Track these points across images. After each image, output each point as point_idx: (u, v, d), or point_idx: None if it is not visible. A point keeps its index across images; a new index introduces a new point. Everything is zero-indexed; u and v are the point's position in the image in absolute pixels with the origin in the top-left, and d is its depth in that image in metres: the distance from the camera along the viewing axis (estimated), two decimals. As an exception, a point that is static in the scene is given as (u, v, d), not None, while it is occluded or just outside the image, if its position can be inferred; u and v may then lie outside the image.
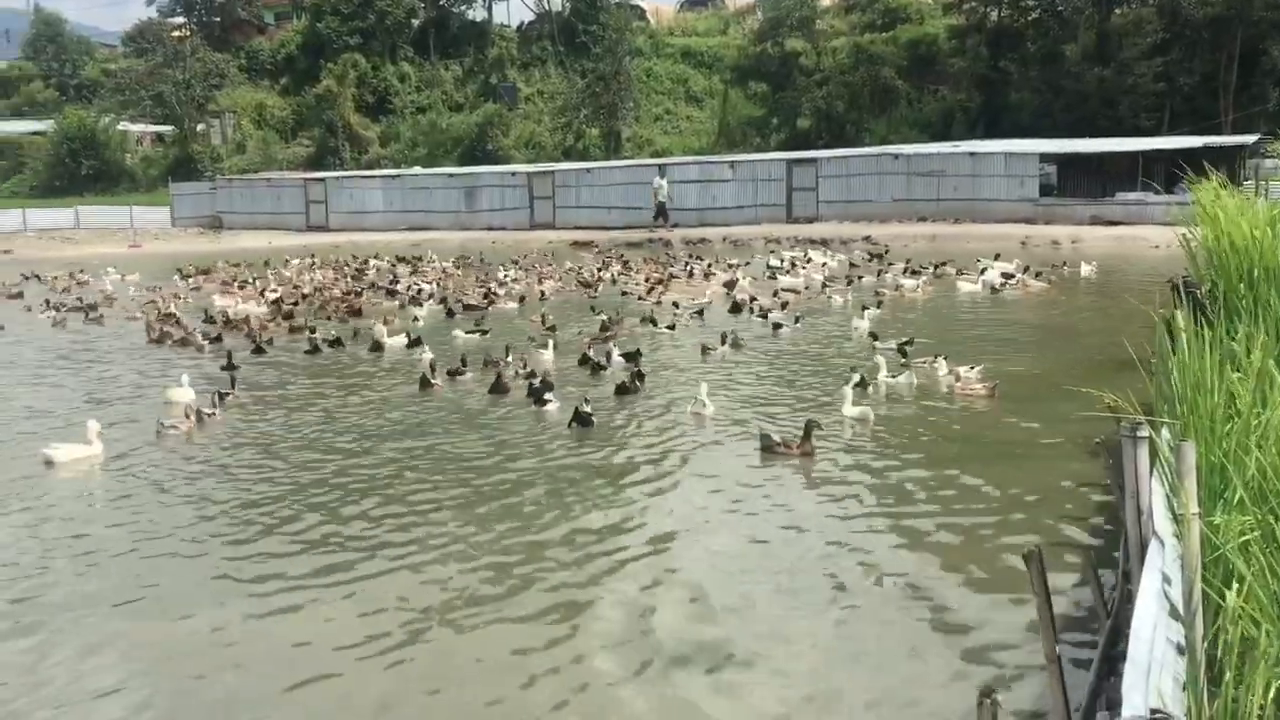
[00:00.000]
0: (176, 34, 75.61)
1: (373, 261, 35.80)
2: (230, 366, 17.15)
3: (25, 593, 8.36)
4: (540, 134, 65.18)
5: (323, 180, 56.69)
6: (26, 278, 33.34)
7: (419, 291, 26.87)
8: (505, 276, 29.55)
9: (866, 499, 9.90)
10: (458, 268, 33.74)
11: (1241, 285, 10.13)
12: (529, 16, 76.30)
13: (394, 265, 34.95)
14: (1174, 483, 5.00)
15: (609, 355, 16.86)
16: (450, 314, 23.21)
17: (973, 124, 54.74)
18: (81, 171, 65.48)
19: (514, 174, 53.58)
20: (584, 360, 16.85)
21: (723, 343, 17.71)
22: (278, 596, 8.05)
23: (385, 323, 21.45)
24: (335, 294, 27.04)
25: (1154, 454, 5.60)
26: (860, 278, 27.32)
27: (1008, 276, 25.34)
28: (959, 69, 57.10)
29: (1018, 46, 55.05)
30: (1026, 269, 25.94)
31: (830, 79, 59.86)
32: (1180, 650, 3.91)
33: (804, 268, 29.74)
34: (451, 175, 55.26)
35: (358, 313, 23.55)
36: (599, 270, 30.68)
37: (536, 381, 14.56)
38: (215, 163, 65.53)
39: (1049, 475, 10.33)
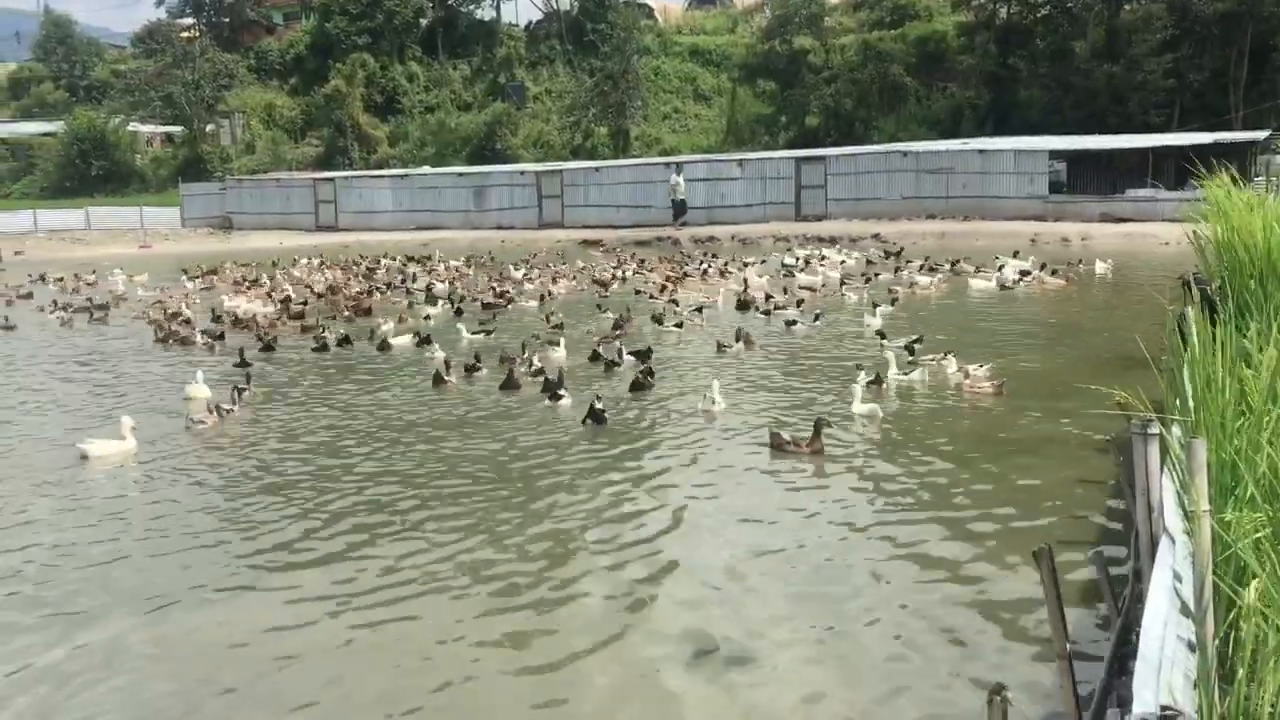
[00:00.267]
0: (185, 35, 75.83)
1: (384, 261, 35.89)
2: (243, 364, 17.37)
3: (61, 584, 8.49)
4: (548, 133, 65.21)
5: (332, 180, 56.81)
6: (34, 279, 33.46)
7: (429, 288, 26.93)
8: (520, 275, 29.55)
9: (875, 497, 9.89)
10: (469, 267, 33.81)
11: (1253, 281, 10.09)
12: (537, 16, 76.38)
13: (404, 265, 35.04)
14: (1185, 480, 4.99)
15: (620, 353, 16.90)
16: (459, 313, 23.23)
17: (982, 121, 54.63)
18: (91, 172, 65.70)
19: (522, 173, 53.62)
20: (595, 357, 16.94)
21: (737, 340, 17.73)
22: (306, 592, 8.11)
23: (400, 320, 21.61)
24: (350, 293, 27.14)
25: (1164, 451, 5.58)
26: (876, 275, 27.29)
27: (1024, 273, 25.33)
28: (968, 66, 56.99)
29: (1027, 43, 54.94)
30: (1043, 266, 25.89)
31: (839, 76, 59.78)
32: (1191, 647, 3.90)
33: (821, 265, 29.74)
34: (460, 175, 55.35)
35: (367, 312, 23.60)
36: (615, 269, 30.65)
37: (545, 378, 14.76)
38: (224, 163, 65.72)
39: (1059, 473, 10.31)
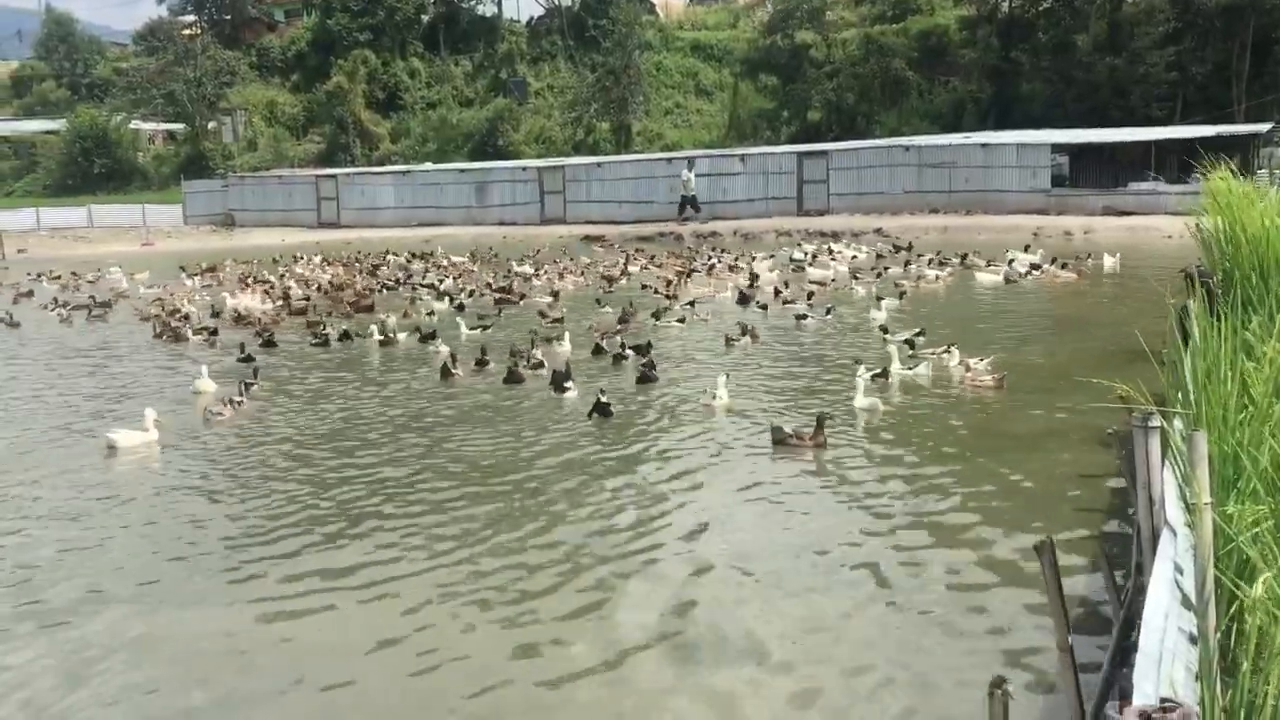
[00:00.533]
0: (187, 32, 75.93)
1: (390, 257, 35.93)
2: (246, 359, 17.51)
3: (90, 574, 8.60)
4: (550, 129, 65.21)
5: (334, 177, 56.84)
6: (33, 277, 33.49)
7: (439, 284, 26.99)
8: (531, 271, 29.50)
9: (877, 491, 9.88)
10: (475, 262, 33.86)
11: (1255, 274, 10.08)
12: (538, 11, 76.36)
13: (409, 261, 35.07)
14: (1186, 472, 4.99)
15: (623, 346, 16.98)
16: (461, 308, 23.31)
17: (984, 115, 54.55)
18: (94, 170, 65.78)
19: (524, 169, 53.63)
20: (598, 351, 17.06)
21: (743, 334, 17.77)
22: (317, 585, 8.14)
23: (404, 316, 21.67)
24: (357, 289, 27.20)
25: (1166, 444, 5.57)
26: (885, 269, 27.32)
27: (1035, 267, 25.31)
28: (970, 60, 56.90)
29: (1029, 37, 54.85)
30: (1054, 260, 25.87)
31: (840, 71, 59.70)
32: (1192, 640, 3.90)
33: (833, 259, 29.77)
34: (462, 171, 55.35)
35: (369, 309, 23.62)
36: (624, 264, 30.64)
37: (546, 371, 15.08)
38: (227, 160, 65.76)
39: (1060, 466, 10.30)
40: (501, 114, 65.03)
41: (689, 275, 27.21)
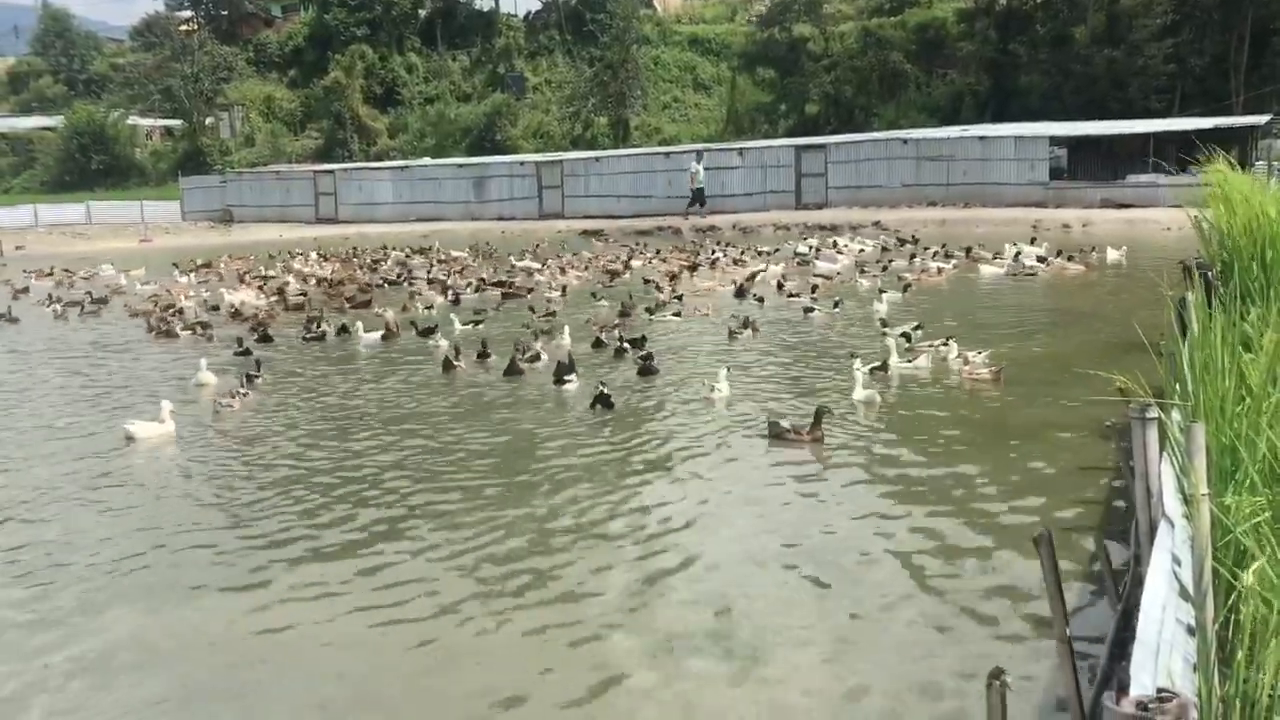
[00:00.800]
0: (184, 28, 75.86)
1: (393, 253, 35.93)
2: (245, 352, 17.69)
3: (103, 566, 8.64)
4: (548, 123, 65.18)
5: (332, 172, 56.82)
6: (28, 273, 33.48)
7: (443, 280, 27.04)
8: (538, 266, 29.53)
9: (875, 485, 9.88)
10: (477, 257, 33.94)
11: (1254, 266, 10.08)
12: (536, 5, 76.46)
13: (408, 257, 35.07)
14: (1184, 464, 4.99)
15: (621, 340, 17.04)
16: (456, 301, 23.35)
17: (982, 108, 54.55)
18: (91, 166, 65.76)
19: (522, 164, 53.60)
20: (597, 344, 17.18)
21: (745, 326, 17.86)
22: (325, 580, 8.14)
23: (403, 310, 21.70)
24: (360, 284, 27.30)
25: (1164, 436, 5.57)
26: (890, 262, 27.37)
27: (1041, 260, 25.36)
28: (968, 52, 56.89)
29: (1027, 29, 54.84)
30: (1059, 253, 25.90)
31: (838, 64, 59.70)
32: (1190, 631, 3.90)
33: (842, 252, 29.85)
34: (460, 166, 55.32)
35: (366, 304, 23.63)
36: (627, 259, 30.64)
37: (541, 364, 15.37)
38: (224, 156, 65.74)
39: (1059, 458, 10.30)
40: (499, 109, 65.01)
41: (694, 270, 27.24)
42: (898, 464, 10.48)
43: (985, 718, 4.36)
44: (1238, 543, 4.50)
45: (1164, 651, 3.64)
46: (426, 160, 58.78)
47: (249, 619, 7.50)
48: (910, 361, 14.64)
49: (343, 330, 19.61)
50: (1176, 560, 4.43)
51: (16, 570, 8.57)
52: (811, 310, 19.66)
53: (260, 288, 26.97)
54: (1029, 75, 53.46)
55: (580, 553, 8.48)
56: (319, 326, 19.91)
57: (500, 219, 50.74)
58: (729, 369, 13.86)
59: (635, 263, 29.92)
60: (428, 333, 18.76)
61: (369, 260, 34.29)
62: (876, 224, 38.96)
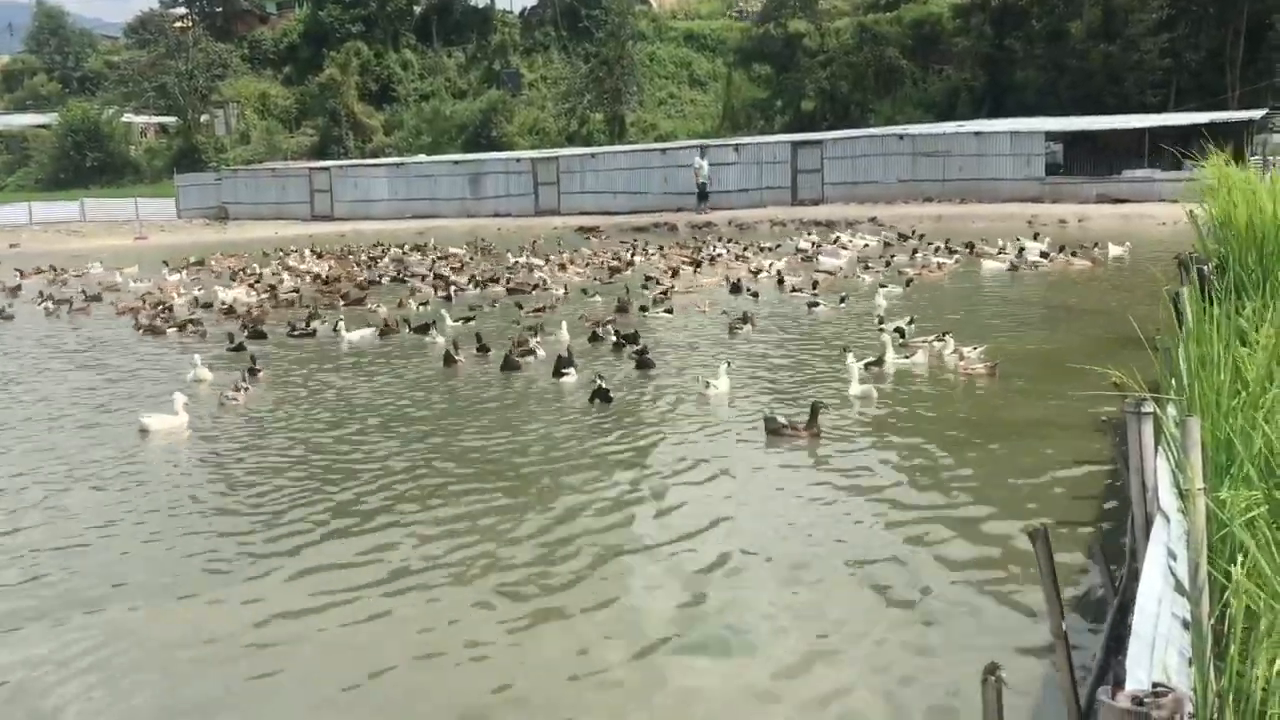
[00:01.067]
0: (179, 25, 75.63)
1: (394, 250, 35.91)
2: (238, 348, 17.86)
3: (114, 559, 8.77)
4: (544, 120, 65.11)
5: (327, 169, 56.73)
6: (18, 271, 33.44)
7: (446, 277, 27.08)
8: (542, 263, 29.51)
9: (871, 479, 9.87)
10: (477, 254, 33.98)
11: (1250, 260, 10.07)
12: (531, 1, 76.19)
13: (408, 253, 35.05)
14: (1179, 458, 4.98)
15: (617, 335, 17.22)
16: (448, 298, 23.47)
17: (978, 103, 54.56)
18: (86, 164, 65.60)
19: (518, 160, 53.54)
20: (594, 338, 17.37)
21: (744, 322, 17.93)
22: (331, 576, 8.17)
23: (399, 305, 21.74)
24: (358, 282, 27.33)
25: (1160, 430, 5.57)
26: (893, 256, 27.42)
27: (1044, 255, 25.39)
28: (963, 48, 56.87)
29: (1022, 24, 54.81)
30: (1061, 249, 25.91)
31: (834, 60, 59.68)
32: (1186, 625, 3.90)
33: (846, 248, 29.96)
34: (456, 163, 55.25)
35: (360, 301, 23.62)
36: (630, 255, 30.66)
37: (534, 359, 15.76)
38: (219, 153, 65.61)
39: (1056, 453, 10.30)
40: (495, 105, 64.94)
41: (698, 266, 27.26)
42: (893, 459, 10.48)
43: (981, 713, 4.36)
44: (1233, 537, 4.50)
45: (1159, 646, 3.64)
46: (422, 157, 58.71)
47: (250, 617, 7.49)
48: (908, 357, 14.65)
49: (339, 327, 19.65)
50: (1172, 555, 4.43)
51: (22, 568, 8.60)
52: (816, 305, 19.73)
53: (251, 285, 27.00)
54: (1025, 70, 53.46)
55: (578, 552, 8.46)
56: (309, 325, 19.94)
57: (496, 216, 50.69)
58: (729, 364, 13.88)
59: (638, 259, 29.91)
60: (423, 329, 18.79)
61: (366, 257, 34.28)
62: (873, 220, 38.97)
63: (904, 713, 5.87)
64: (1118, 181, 40.49)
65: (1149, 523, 4.96)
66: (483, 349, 16.61)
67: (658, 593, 7.59)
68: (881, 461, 10.42)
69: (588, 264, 29.34)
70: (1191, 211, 14.03)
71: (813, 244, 31.16)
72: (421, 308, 22.06)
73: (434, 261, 31.98)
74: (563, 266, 28.51)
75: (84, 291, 27.05)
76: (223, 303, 23.99)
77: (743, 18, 71.23)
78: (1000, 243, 27.56)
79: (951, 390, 13.30)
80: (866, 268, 25.31)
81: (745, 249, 30.60)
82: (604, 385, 13.18)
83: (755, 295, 21.60)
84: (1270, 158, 33.60)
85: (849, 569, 7.82)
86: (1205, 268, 10.64)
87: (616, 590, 7.67)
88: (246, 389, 14.58)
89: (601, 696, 6.24)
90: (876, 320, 17.50)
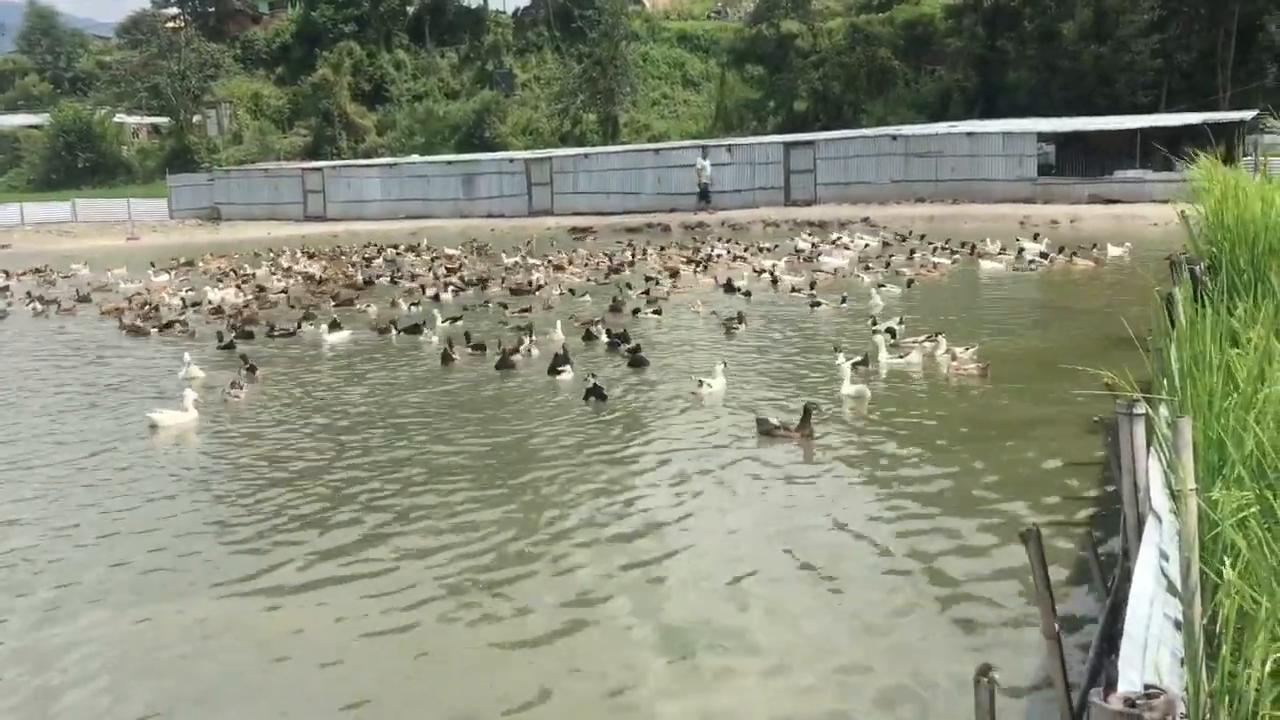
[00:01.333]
0: (171, 25, 75.42)
1: (388, 250, 35.87)
2: (228, 346, 18.12)
3: (120, 555, 8.80)
4: (537, 120, 65.08)
5: (320, 170, 56.61)
6: (6, 274, 33.38)
7: (452, 271, 27.16)
8: (537, 262, 29.50)
9: (863, 480, 9.89)
10: (474, 254, 33.98)
11: (1242, 260, 10.09)
12: (524, 2, 76.14)
13: (397, 255, 35.00)
14: (1171, 459, 4.98)
15: (609, 334, 17.29)
16: (436, 298, 23.59)
17: (970, 104, 54.62)
18: (78, 164, 65.43)
19: (511, 161, 53.47)
20: (588, 337, 17.48)
21: (739, 321, 18.02)
22: (333, 572, 8.20)
23: (392, 305, 21.87)
24: (356, 283, 27.34)
25: (1152, 431, 5.57)
26: (893, 257, 27.50)
27: (1043, 256, 25.44)
28: (956, 49, 56.93)
29: (1015, 25, 54.90)
30: (1061, 249, 25.98)
31: (827, 60, 59.72)
32: (1178, 626, 3.90)
33: (848, 247, 30.06)
34: (449, 163, 55.15)
35: (349, 302, 23.60)
36: (631, 256, 30.63)
37: (521, 357, 16.03)
38: (212, 154, 65.47)
39: (1048, 454, 10.31)
40: (488, 106, 64.88)
41: (699, 265, 27.27)
42: (885, 459, 10.49)
43: (974, 714, 4.36)
44: (1225, 537, 4.50)
45: (1152, 646, 3.64)
46: (415, 158, 58.62)
47: (250, 618, 7.50)
48: (902, 357, 14.68)
49: (334, 326, 19.67)
50: (1164, 555, 4.43)
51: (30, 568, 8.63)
52: (819, 305, 19.80)
53: (239, 286, 27.01)
54: (1017, 71, 53.54)
55: (576, 551, 8.46)
56: (300, 326, 19.98)
57: (489, 216, 50.62)
58: (725, 364, 13.89)
59: (637, 260, 29.94)
60: (413, 330, 18.83)
61: (361, 258, 34.28)
62: (865, 220, 39.00)
63: (895, 713, 5.87)
64: (1109, 182, 40.55)
65: (1141, 523, 4.96)
66: (478, 347, 16.80)
67: (653, 594, 7.58)
68: (873, 462, 10.43)
69: (586, 265, 29.31)
70: (1183, 212, 14.05)
71: (812, 244, 31.21)
72: (413, 308, 22.07)
73: (433, 260, 32.05)
74: (559, 268, 28.48)
75: (78, 291, 27.01)
76: (210, 303, 24.02)
77: (723, 17, 71.51)
78: (997, 244, 27.61)
79: (944, 391, 13.31)
80: (867, 268, 25.36)
81: (746, 249, 30.63)
82: (598, 383, 13.27)
83: (748, 295, 21.63)
84: (1261, 158, 33.64)
85: (838, 570, 7.82)
86: (1197, 268, 10.67)
87: (610, 587, 7.66)
88: (243, 388, 14.66)
89: (587, 694, 6.24)
90: (870, 321, 17.53)
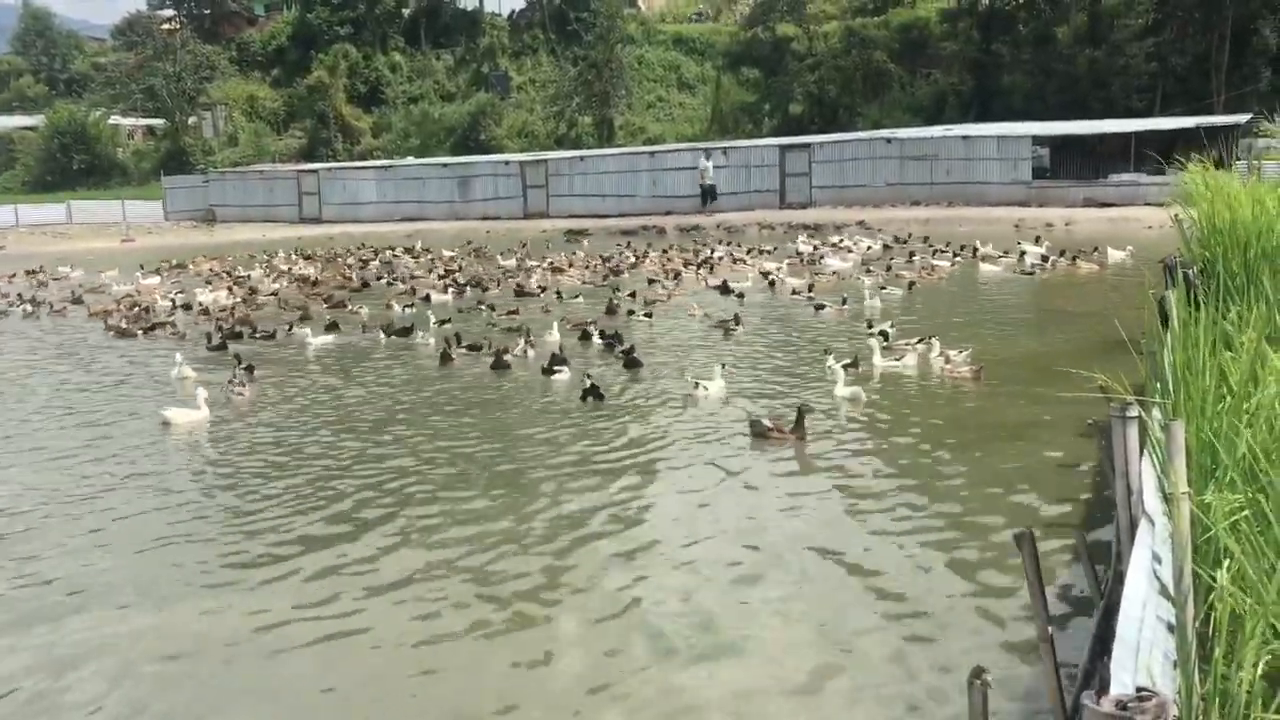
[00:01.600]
0: (166, 26, 75.35)
1: (386, 252, 35.85)
2: (219, 347, 18.26)
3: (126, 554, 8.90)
4: (533, 123, 65.05)
5: (315, 172, 56.53)
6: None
7: (453, 272, 27.19)
8: (536, 264, 29.48)
9: (856, 482, 9.89)
10: (473, 256, 34.03)
11: (1235, 264, 10.12)
12: (520, 4, 76.20)
13: (395, 256, 34.99)
14: (1164, 462, 5.00)
15: (602, 335, 17.40)
16: (427, 299, 23.65)
17: (965, 107, 54.69)
18: (73, 166, 65.32)
19: (507, 163, 53.45)
20: (585, 337, 17.56)
21: (736, 323, 18.08)
22: (335, 571, 8.20)
23: (387, 307, 21.88)
24: (353, 285, 27.37)
25: (1145, 434, 5.59)
26: (893, 259, 27.56)
27: (1044, 259, 25.51)
28: (951, 52, 57.03)
29: (1009, 29, 55.02)
30: (1062, 253, 26.02)
31: (822, 63, 59.76)
32: (1170, 629, 3.91)
33: (851, 250, 30.17)
34: (445, 165, 55.09)
35: (342, 304, 23.57)
36: (635, 257, 30.62)
37: (512, 356, 16.10)
38: (207, 155, 65.38)
39: (1042, 457, 10.33)
40: (484, 108, 64.86)
41: (701, 267, 27.28)
42: (878, 462, 10.50)
43: (967, 716, 4.36)
44: (1218, 541, 4.51)
45: (1144, 649, 3.65)
46: (410, 160, 58.56)
47: (252, 619, 7.50)
48: (898, 359, 14.70)
49: (332, 327, 19.76)
50: (1157, 558, 4.44)
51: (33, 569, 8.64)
52: (823, 307, 19.86)
53: (230, 288, 27.02)
54: (1012, 75, 53.64)
55: (575, 551, 8.47)
56: (291, 328, 19.98)
57: (485, 219, 50.58)
58: (724, 365, 13.91)
59: (638, 260, 29.96)
60: (404, 332, 18.85)
61: (357, 260, 34.28)
62: (860, 223, 39.01)
63: (890, 714, 5.88)
64: (1104, 185, 40.63)
65: (1134, 526, 4.97)
66: (473, 347, 16.95)
67: (647, 596, 7.58)
68: (866, 464, 10.44)
69: (586, 267, 29.31)
70: (1177, 215, 14.09)
71: (814, 247, 31.26)
72: (407, 310, 22.10)
73: (433, 261, 32.12)
74: (558, 270, 28.47)
75: (72, 292, 26.99)
76: (200, 304, 24.01)
77: (704, 19, 71.81)
78: (999, 248, 27.67)
79: (938, 394, 13.33)
80: (868, 271, 25.41)
81: (748, 252, 30.66)
82: (594, 384, 13.35)
83: (741, 297, 21.68)
84: (1255, 162, 33.70)
85: (831, 572, 7.83)
86: (1190, 272, 10.69)
87: (609, 592, 7.66)
88: (245, 385, 14.76)
89: (600, 697, 6.24)
90: (866, 324, 17.56)
